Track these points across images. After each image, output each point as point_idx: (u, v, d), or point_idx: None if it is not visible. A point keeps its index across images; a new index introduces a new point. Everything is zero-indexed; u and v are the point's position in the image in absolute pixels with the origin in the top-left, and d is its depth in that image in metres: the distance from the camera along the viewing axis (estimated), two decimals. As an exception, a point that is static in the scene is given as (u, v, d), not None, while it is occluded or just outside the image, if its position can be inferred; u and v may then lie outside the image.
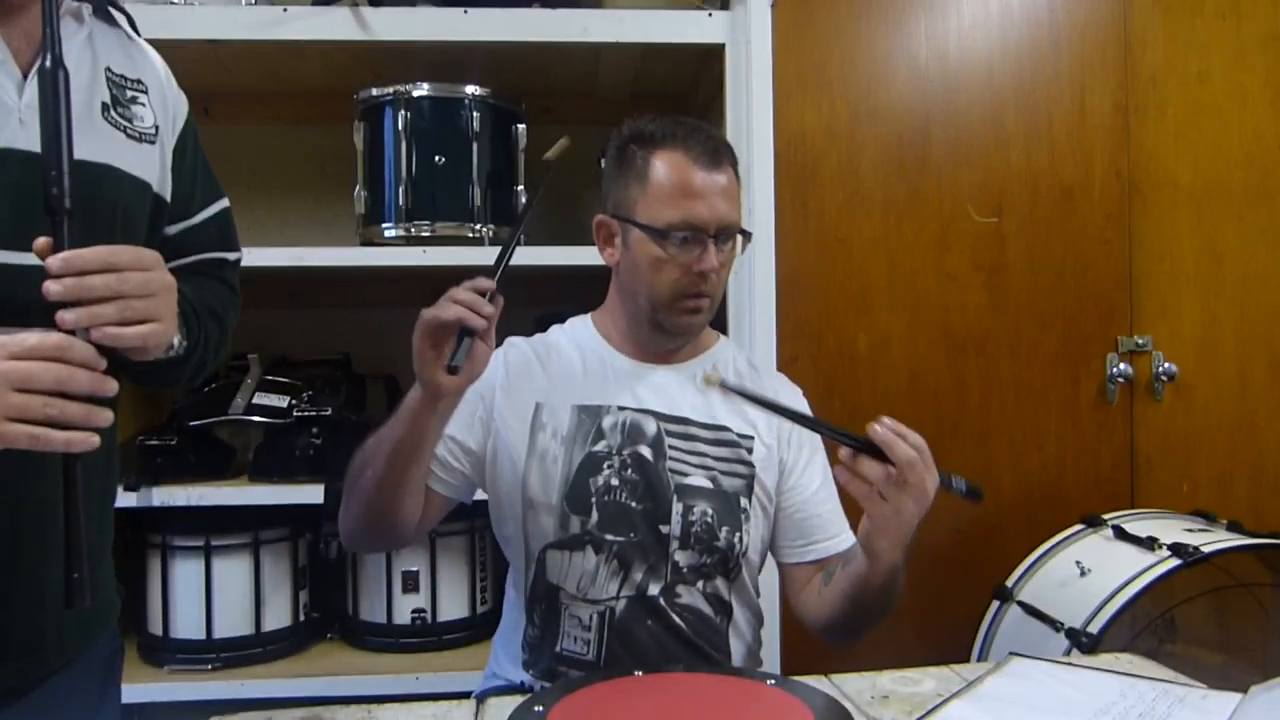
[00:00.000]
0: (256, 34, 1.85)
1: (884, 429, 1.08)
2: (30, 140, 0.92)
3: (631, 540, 1.30)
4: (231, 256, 1.23)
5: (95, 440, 0.84)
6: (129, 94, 1.04)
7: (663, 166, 1.29)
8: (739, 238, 1.33)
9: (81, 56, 0.99)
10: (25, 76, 0.94)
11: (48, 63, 0.87)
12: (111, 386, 0.85)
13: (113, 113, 1.01)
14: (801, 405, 1.45)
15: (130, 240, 1.03)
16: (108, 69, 1.02)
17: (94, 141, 0.92)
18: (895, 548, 1.14)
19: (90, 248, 0.86)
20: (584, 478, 1.30)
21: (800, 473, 1.39)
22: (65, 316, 0.84)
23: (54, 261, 0.84)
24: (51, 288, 0.84)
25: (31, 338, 0.82)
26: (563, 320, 1.47)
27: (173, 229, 1.14)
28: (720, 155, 1.30)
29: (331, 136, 2.08)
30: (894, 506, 1.09)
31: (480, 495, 1.40)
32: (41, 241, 0.85)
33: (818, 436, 1.44)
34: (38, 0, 0.94)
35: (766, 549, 1.41)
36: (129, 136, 1.03)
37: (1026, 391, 2.20)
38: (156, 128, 1.07)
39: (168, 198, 1.10)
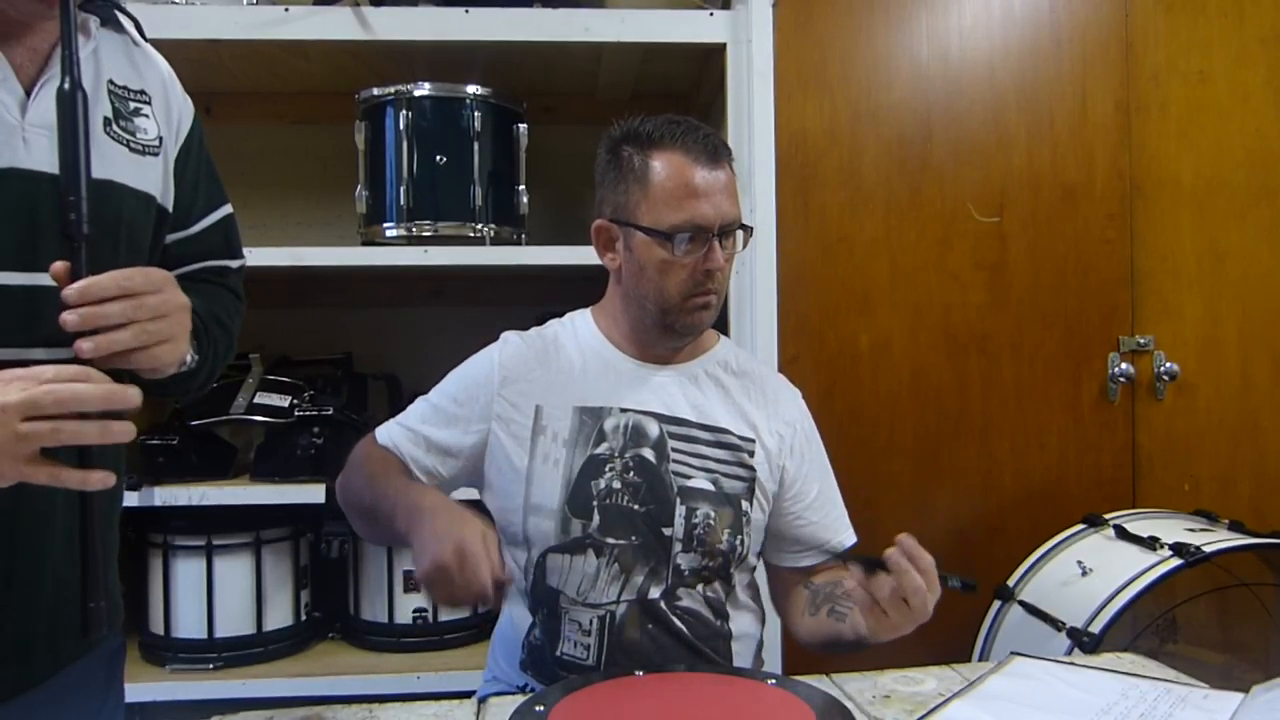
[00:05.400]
0: (258, 34, 1.85)
1: (898, 557, 1.10)
2: (34, 160, 0.91)
3: (633, 543, 1.29)
4: (234, 264, 1.22)
5: (111, 479, 0.84)
6: (131, 106, 1.03)
7: (662, 168, 1.27)
8: (740, 233, 1.32)
9: (84, 72, 0.96)
10: (29, 94, 0.93)
11: (66, 85, 0.86)
12: (131, 395, 0.84)
13: (114, 127, 1.00)
14: (800, 406, 1.44)
15: (135, 253, 1.02)
16: (110, 82, 1.01)
17: (96, 158, 0.91)
18: (891, 638, 1.16)
19: (104, 274, 0.85)
20: (585, 481, 1.30)
21: (803, 480, 1.39)
22: (83, 345, 0.84)
23: (70, 292, 0.84)
24: (68, 318, 0.83)
25: (46, 371, 0.81)
26: (561, 318, 1.46)
27: (175, 237, 1.13)
28: (718, 152, 1.30)
29: (333, 136, 2.08)
30: (894, 623, 1.12)
31: (470, 494, 1.40)
32: (59, 266, 0.85)
33: (818, 441, 1.44)
34: (43, 17, 0.93)
35: (761, 551, 1.41)
36: (132, 150, 1.02)
37: (1028, 391, 2.20)
38: (160, 139, 1.06)
39: (170, 207, 1.10)
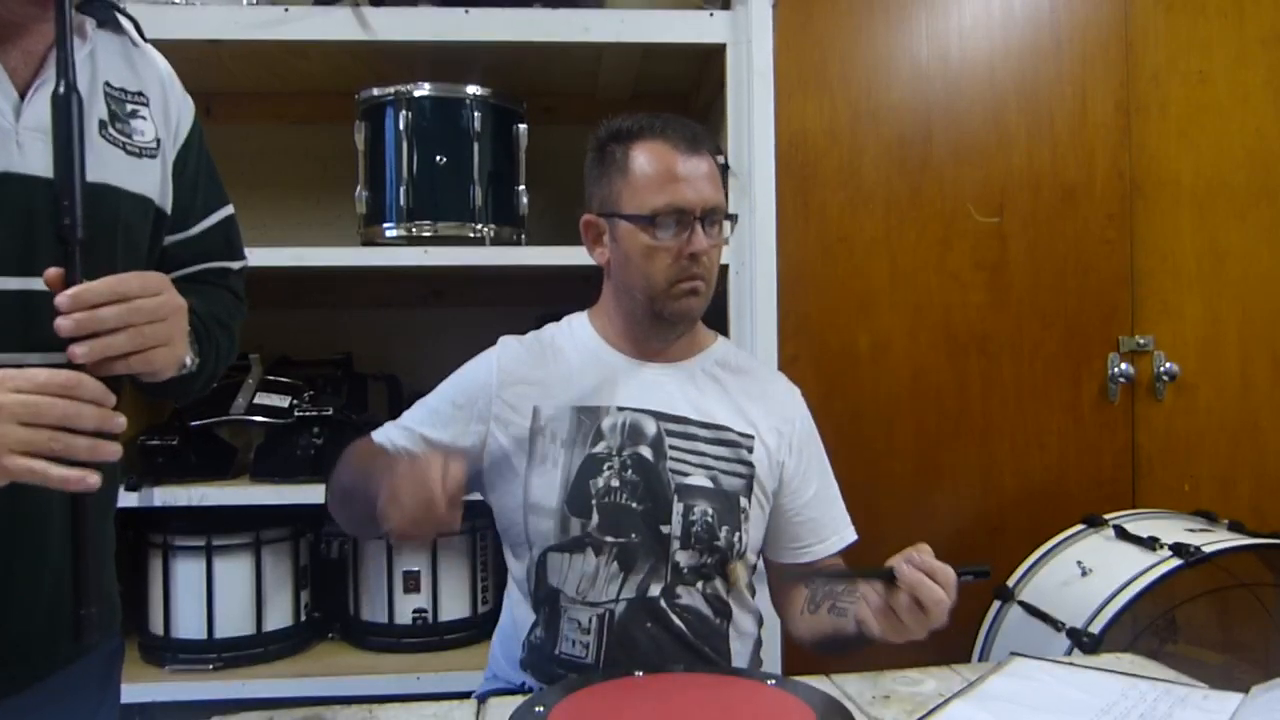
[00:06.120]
0: (257, 34, 1.85)
1: (911, 570, 1.08)
2: (29, 164, 0.91)
3: (632, 541, 1.30)
4: (235, 265, 1.22)
5: (95, 480, 0.83)
6: (128, 108, 1.03)
7: (643, 156, 1.30)
8: (725, 222, 1.33)
9: (80, 74, 0.94)
10: (23, 97, 0.92)
11: (61, 89, 0.86)
12: (120, 423, 0.84)
13: (111, 129, 1.00)
14: (799, 405, 1.45)
15: (133, 256, 1.02)
16: (106, 84, 1.01)
17: (92, 161, 0.91)
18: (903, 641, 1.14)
19: (98, 280, 0.85)
20: (584, 480, 1.30)
21: (801, 476, 1.40)
22: (77, 351, 0.83)
23: (63, 298, 0.83)
24: (62, 324, 0.83)
25: (41, 373, 0.81)
26: (559, 320, 1.46)
27: (175, 238, 1.13)
28: (698, 140, 1.31)
29: (333, 136, 2.08)
30: (910, 630, 1.11)
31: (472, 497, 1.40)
32: (53, 272, 0.84)
33: (817, 438, 1.44)
34: (38, 20, 0.92)
35: (761, 548, 1.42)
36: (128, 153, 1.01)
37: (1028, 391, 2.20)
38: (157, 140, 1.06)
39: (169, 209, 1.09)
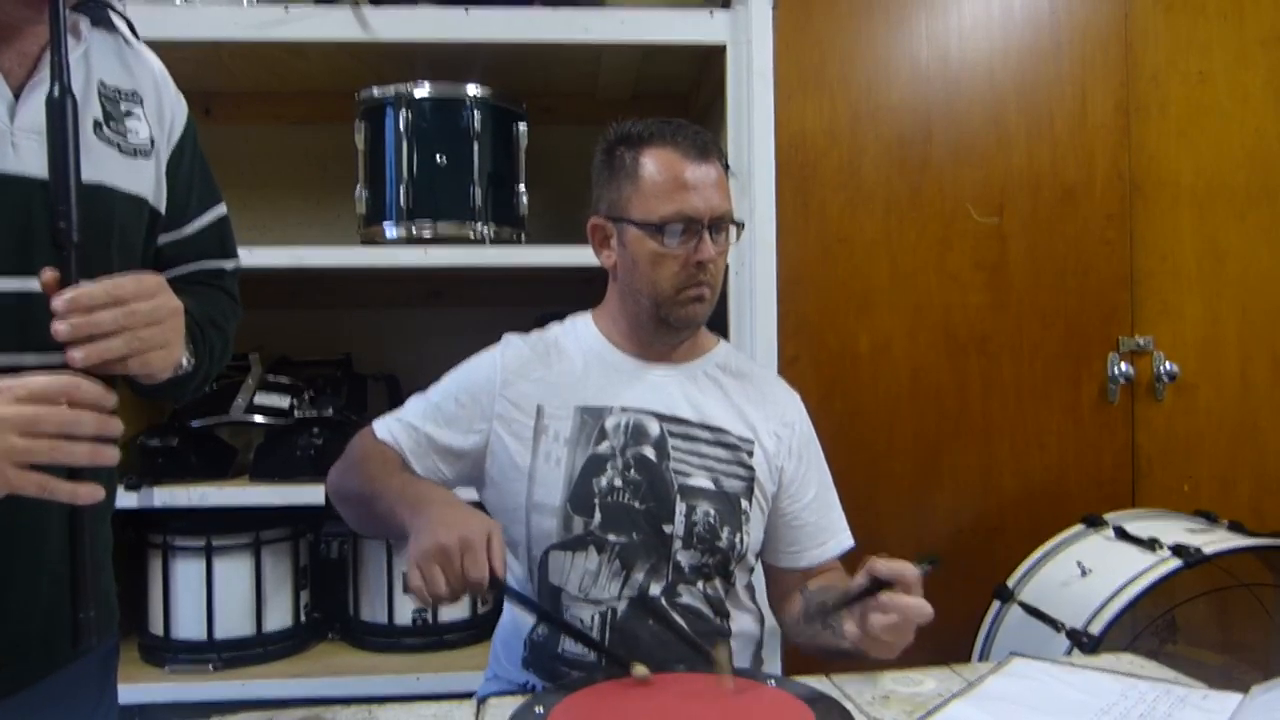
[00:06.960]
0: (258, 34, 1.85)
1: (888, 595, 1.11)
2: (23, 164, 0.91)
3: (634, 540, 1.30)
4: (229, 265, 1.22)
5: (101, 493, 0.83)
6: (123, 108, 1.02)
7: (653, 163, 1.30)
8: (733, 228, 1.34)
9: (74, 74, 0.93)
10: (17, 97, 0.92)
11: (56, 92, 0.85)
12: (117, 427, 0.84)
13: (105, 129, 0.99)
14: (799, 409, 1.45)
15: (128, 256, 1.02)
16: (100, 83, 1.01)
17: (87, 161, 0.90)
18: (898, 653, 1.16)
19: (94, 283, 0.85)
20: (587, 479, 1.31)
21: (799, 481, 1.40)
22: (75, 355, 0.83)
23: (59, 303, 0.83)
24: (59, 328, 0.82)
25: (38, 381, 0.81)
26: (562, 320, 1.46)
27: (169, 238, 1.12)
28: (708, 148, 1.32)
29: (333, 136, 2.08)
30: (898, 641, 1.13)
31: (469, 494, 1.40)
32: (49, 275, 0.84)
33: (816, 443, 1.44)
34: (33, 22, 0.92)
35: (759, 551, 1.42)
36: (123, 152, 1.01)
37: (1028, 391, 2.20)
38: (151, 140, 1.05)
39: (163, 209, 1.09)
